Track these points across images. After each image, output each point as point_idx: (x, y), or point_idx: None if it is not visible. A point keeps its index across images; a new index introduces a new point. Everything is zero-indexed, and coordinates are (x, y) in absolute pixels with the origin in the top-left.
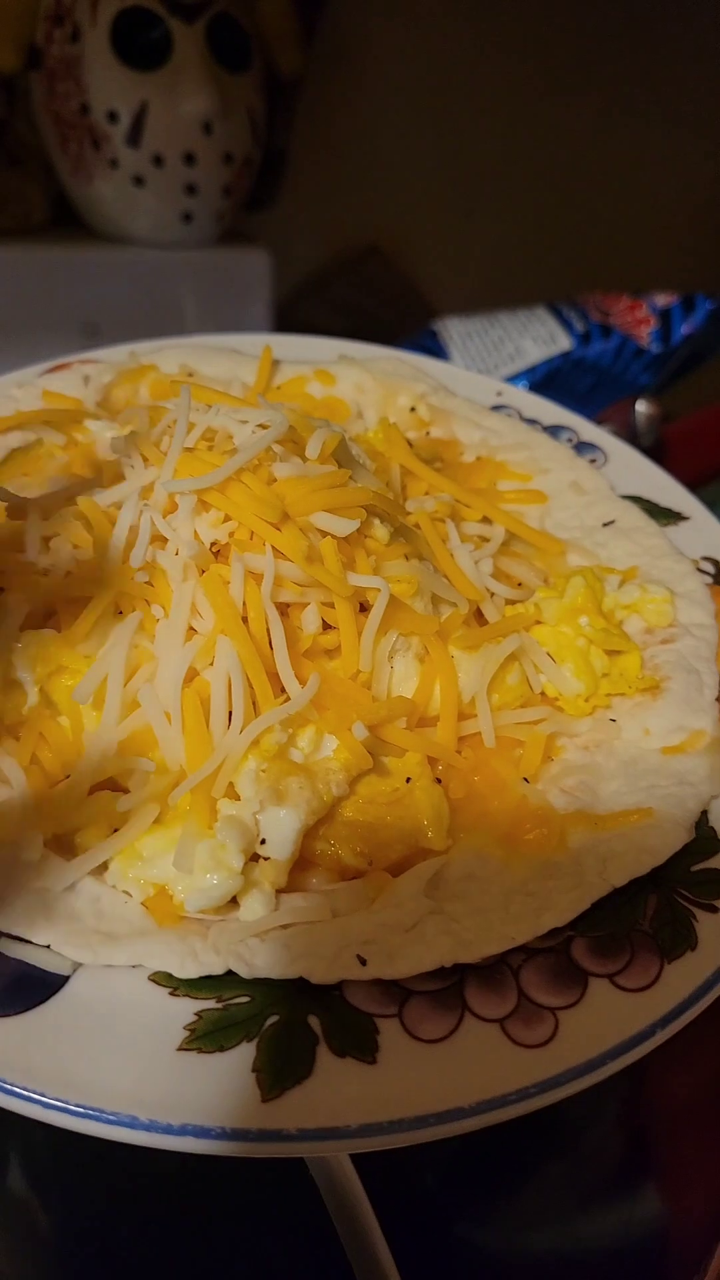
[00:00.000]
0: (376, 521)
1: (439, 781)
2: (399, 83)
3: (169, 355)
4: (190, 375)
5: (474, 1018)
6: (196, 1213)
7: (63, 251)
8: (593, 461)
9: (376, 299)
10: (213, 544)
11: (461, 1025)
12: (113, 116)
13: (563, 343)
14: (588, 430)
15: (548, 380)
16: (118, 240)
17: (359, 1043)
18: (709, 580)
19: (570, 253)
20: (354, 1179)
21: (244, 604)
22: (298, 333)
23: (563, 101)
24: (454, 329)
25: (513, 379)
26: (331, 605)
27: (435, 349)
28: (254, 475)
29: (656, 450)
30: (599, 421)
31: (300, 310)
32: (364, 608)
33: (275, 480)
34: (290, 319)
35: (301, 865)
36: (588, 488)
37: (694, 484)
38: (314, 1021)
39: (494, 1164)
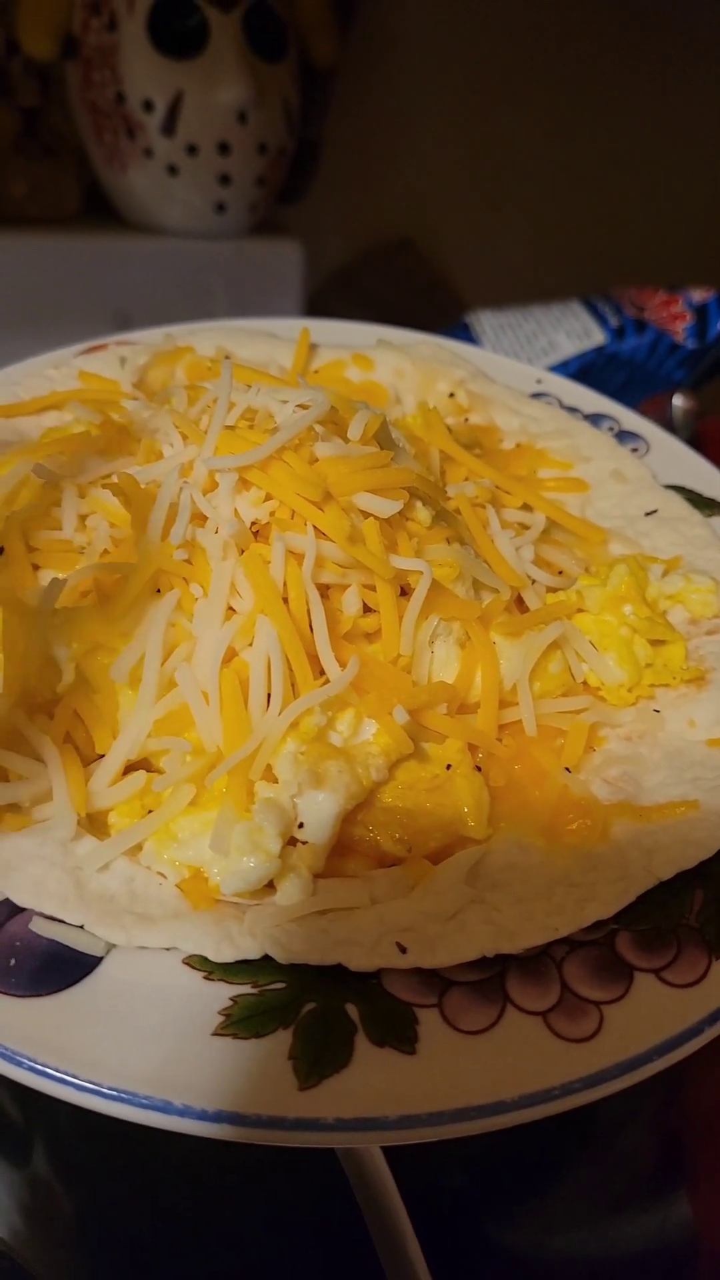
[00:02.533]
0: (419, 504)
1: (479, 769)
2: (433, 74)
3: (205, 337)
4: (227, 358)
5: (516, 1010)
6: (222, 1202)
7: (96, 241)
8: (634, 451)
9: (407, 292)
10: (253, 523)
11: (503, 1017)
12: (148, 105)
13: (597, 337)
14: (629, 419)
15: (580, 375)
16: (151, 230)
17: (398, 1032)
18: None
19: (604, 246)
20: (386, 1173)
21: (284, 584)
22: None
23: (598, 92)
24: (486, 322)
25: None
26: (372, 588)
27: (467, 342)
28: (296, 454)
29: (693, 445)
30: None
31: (331, 303)
32: (404, 592)
33: (317, 460)
34: (320, 311)
35: (339, 851)
36: (630, 476)
37: None
38: (352, 1010)
39: (525, 1164)
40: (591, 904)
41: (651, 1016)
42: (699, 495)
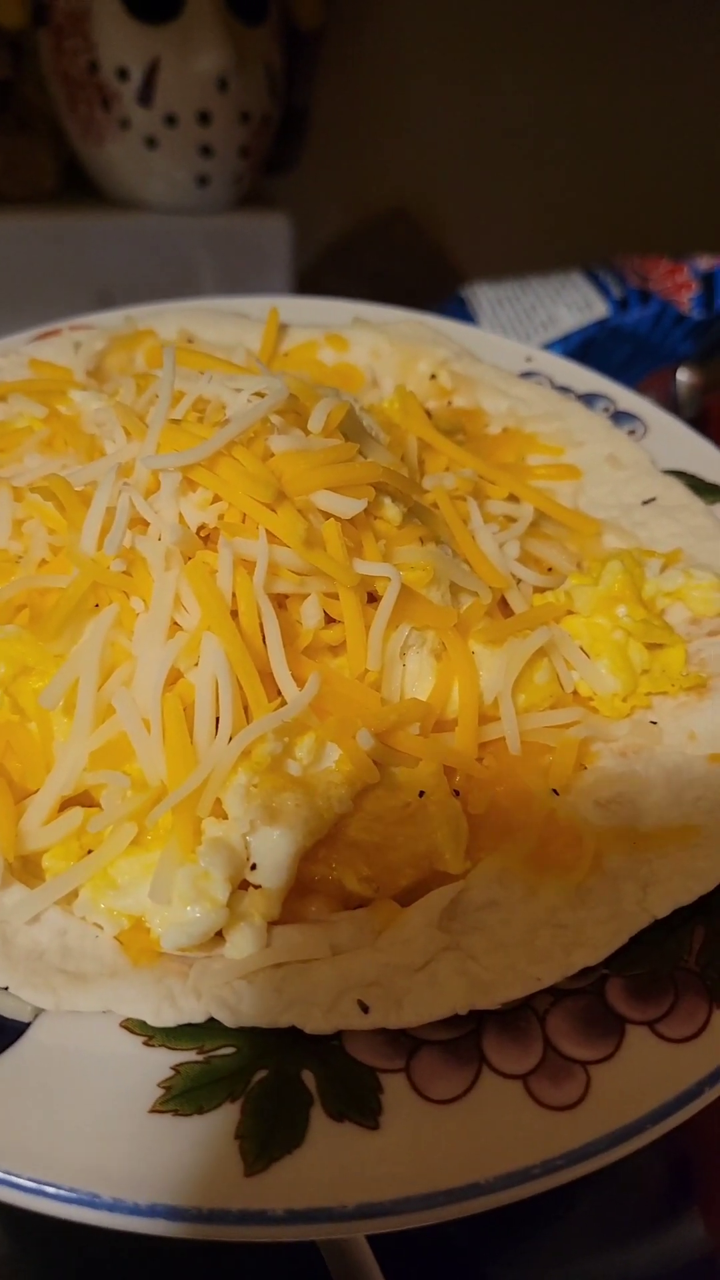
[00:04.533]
0: (387, 501)
1: (457, 794)
2: (426, 37)
3: (168, 319)
4: (191, 341)
5: (493, 1073)
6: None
7: (75, 218)
8: (631, 433)
9: (404, 265)
10: (200, 528)
11: (478, 1082)
12: (123, 74)
13: (599, 309)
14: (626, 398)
15: (583, 349)
16: (131, 206)
17: (359, 1104)
18: None
19: (607, 213)
20: (364, 1249)
21: (234, 596)
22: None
23: (598, 54)
24: (483, 295)
25: (546, 348)
26: (335, 596)
27: (463, 316)
28: (247, 450)
29: (699, 423)
30: (637, 392)
31: (324, 277)
32: (373, 598)
33: (272, 456)
34: (313, 286)
35: (299, 892)
36: (626, 462)
37: None
38: (309, 1077)
39: (525, 1201)
40: (580, 949)
41: (644, 1077)
42: (701, 481)
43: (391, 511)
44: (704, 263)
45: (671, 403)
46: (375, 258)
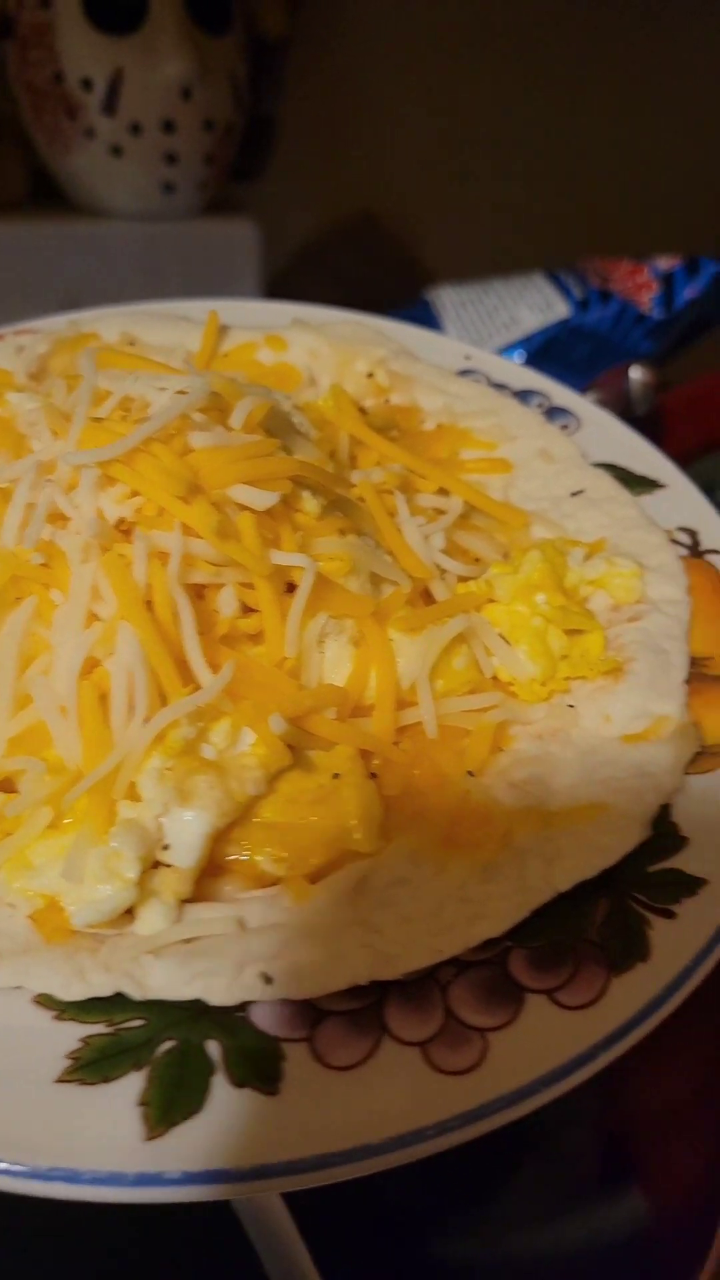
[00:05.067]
0: (306, 494)
1: (374, 777)
2: (394, 44)
3: (111, 323)
4: (132, 344)
5: (393, 1041)
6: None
7: (42, 226)
8: (564, 428)
9: (374, 269)
10: (120, 522)
11: (378, 1050)
12: (87, 84)
13: (560, 310)
14: (560, 395)
15: (545, 349)
16: (99, 213)
17: (261, 1071)
18: (684, 552)
19: (573, 216)
20: (284, 1216)
21: (151, 586)
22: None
23: (564, 62)
24: (447, 298)
25: (508, 348)
26: (252, 586)
27: (428, 319)
28: (165, 446)
29: (654, 419)
30: (591, 390)
31: (294, 282)
32: (293, 589)
33: (191, 451)
34: (284, 292)
35: (213, 873)
36: (557, 455)
37: (696, 454)
38: (214, 1047)
39: (468, 1172)
40: (482, 921)
41: (539, 1043)
42: (630, 473)
43: (311, 504)
44: (664, 263)
45: (625, 400)
46: (345, 262)
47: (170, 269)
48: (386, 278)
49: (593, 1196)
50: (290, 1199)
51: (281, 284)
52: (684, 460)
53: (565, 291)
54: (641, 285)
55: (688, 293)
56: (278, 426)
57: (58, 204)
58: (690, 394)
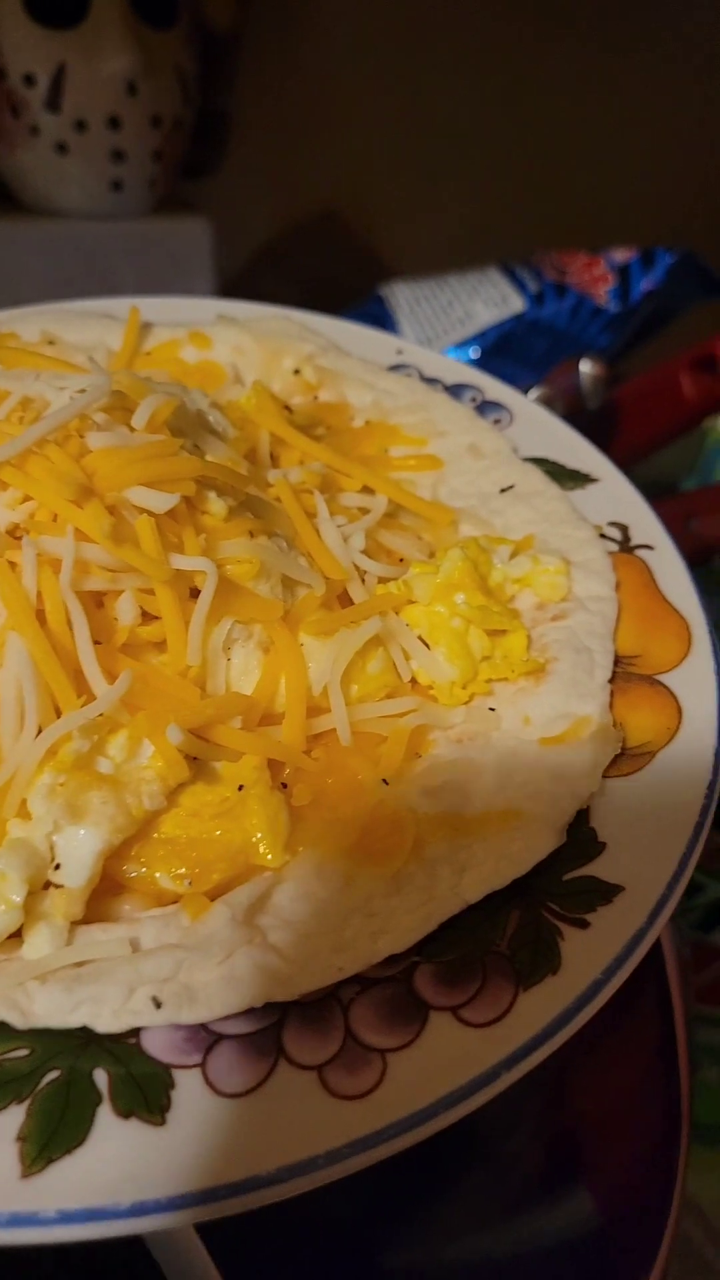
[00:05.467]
0: (212, 495)
1: (285, 787)
2: (350, 38)
3: (31, 322)
4: (52, 343)
5: (289, 1065)
6: None
7: None
8: (497, 422)
9: (334, 266)
10: (13, 527)
11: (272, 1075)
12: (29, 80)
13: (515, 304)
14: (494, 389)
15: (501, 344)
16: (48, 213)
17: (148, 1101)
18: (614, 548)
19: (533, 210)
20: (198, 1248)
21: (40, 594)
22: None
23: (521, 56)
24: (401, 294)
25: (463, 344)
26: (153, 592)
27: (382, 315)
28: (60, 447)
29: (606, 413)
30: (542, 385)
31: (252, 281)
32: (198, 594)
33: (89, 453)
34: (241, 291)
35: (112, 891)
36: (486, 451)
37: (648, 449)
38: (101, 1077)
39: (410, 1179)
40: (386, 937)
41: (440, 1063)
42: (562, 467)
43: (217, 505)
44: (620, 255)
45: (576, 394)
46: (304, 259)
47: (122, 269)
48: (346, 275)
49: (539, 1199)
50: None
51: (238, 283)
52: (639, 455)
53: (520, 286)
54: (597, 278)
55: (644, 285)
56: (186, 426)
57: (5, 204)
58: (642, 387)
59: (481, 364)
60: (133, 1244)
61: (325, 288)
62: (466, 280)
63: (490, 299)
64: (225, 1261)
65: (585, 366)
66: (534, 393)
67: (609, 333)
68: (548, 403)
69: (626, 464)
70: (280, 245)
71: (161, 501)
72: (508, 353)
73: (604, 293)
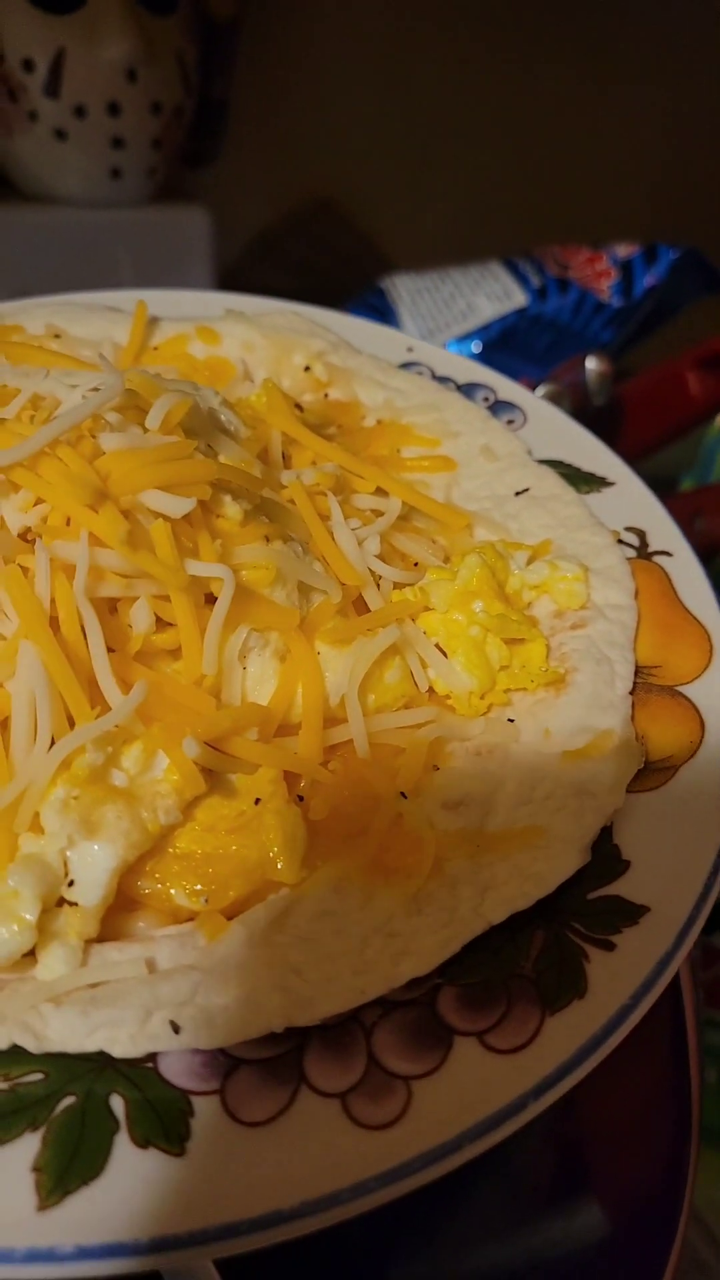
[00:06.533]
0: (228, 499)
1: (302, 800)
2: (348, 28)
3: (36, 314)
4: (58, 336)
5: (311, 1092)
6: None
7: None
8: (510, 423)
9: (331, 256)
10: (25, 531)
11: (294, 1103)
12: (28, 65)
13: (518, 299)
14: (506, 389)
15: (503, 339)
16: (46, 200)
17: (166, 1130)
18: (632, 554)
19: (533, 202)
20: (205, 1265)
21: (53, 601)
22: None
23: (521, 47)
24: (402, 287)
25: (465, 338)
26: (168, 599)
27: (383, 308)
28: (73, 449)
29: (612, 410)
30: (548, 382)
31: (250, 270)
32: (214, 600)
33: (102, 454)
34: (239, 281)
35: (126, 908)
36: (500, 453)
37: (654, 447)
38: (118, 1102)
39: (421, 1193)
40: (408, 958)
41: (466, 1093)
42: (577, 470)
43: (233, 509)
44: (623, 250)
45: (581, 391)
46: (302, 250)
47: (120, 258)
48: (344, 266)
49: (549, 1210)
50: None
51: (236, 273)
52: (643, 452)
53: (523, 280)
54: (600, 273)
55: (647, 280)
56: (199, 426)
57: (2, 190)
58: (648, 385)
59: (483, 358)
60: None
61: (323, 278)
62: (469, 273)
63: (493, 293)
64: (231, 1275)
65: (591, 363)
66: (541, 389)
67: (611, 328)
68: (555, 399)
69: (631, 462)
70: (276, 236)
71: (177, 505)
72: (510, 347)
73: (607, 288)
